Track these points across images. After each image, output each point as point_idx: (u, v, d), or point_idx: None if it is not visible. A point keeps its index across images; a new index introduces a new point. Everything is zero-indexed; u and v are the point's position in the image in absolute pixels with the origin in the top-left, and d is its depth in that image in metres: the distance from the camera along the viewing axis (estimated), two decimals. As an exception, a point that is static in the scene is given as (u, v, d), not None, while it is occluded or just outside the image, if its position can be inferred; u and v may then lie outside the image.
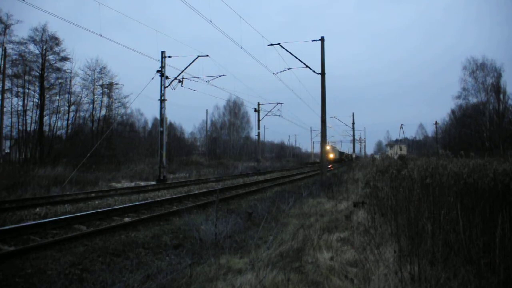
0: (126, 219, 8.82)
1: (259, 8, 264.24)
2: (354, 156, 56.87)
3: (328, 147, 57.19)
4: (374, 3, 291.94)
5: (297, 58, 18.84)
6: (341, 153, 69.42)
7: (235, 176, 26.55)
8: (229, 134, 67.05)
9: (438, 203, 4.34)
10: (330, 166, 40.25)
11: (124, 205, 10.37)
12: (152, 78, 21.12)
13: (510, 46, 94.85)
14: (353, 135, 54.33)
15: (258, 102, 37.93)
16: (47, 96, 27.86)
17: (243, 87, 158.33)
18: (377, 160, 26.60)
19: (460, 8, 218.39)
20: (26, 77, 26.90)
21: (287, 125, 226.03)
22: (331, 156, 58.90)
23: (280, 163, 53.17)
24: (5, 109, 24.48)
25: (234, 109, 67.97)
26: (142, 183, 19.90)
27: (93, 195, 13.56)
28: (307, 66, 19.11)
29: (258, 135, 39.93)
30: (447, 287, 3.10)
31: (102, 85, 31.81)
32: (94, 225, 8.23)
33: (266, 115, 38.25)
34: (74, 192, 14.16)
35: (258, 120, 38.27)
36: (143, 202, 11.23)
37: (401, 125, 74.36)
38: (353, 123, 51.79)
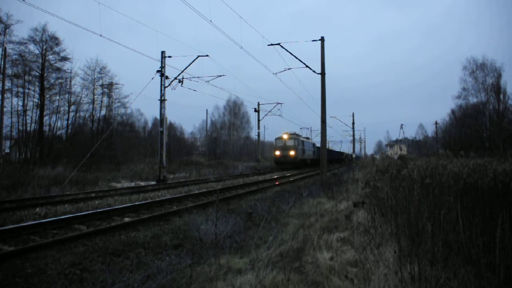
0: (126, 219, 8.82)
1: (260, 11, 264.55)
2: (354, 156, 56.80)
3: (285, 136, 37.49)
4: (375, 6, 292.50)
5: (297, 58, 18.86)
6: (321, 149, 43.63)
7: (235, 176, 26.53)
8: (229, 134, 67.09)
9: (438, 203, 4.34)
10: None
11: (124, 205, 10.37)
12: (152, 78, 21.16)
13: (509, 47, 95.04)
14: (353, 135, 54.30)
15: (258, 102, 37.96)
16: (47, 96, 27.94)
17: (243, 87, 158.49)
18: (377, 160, 26.56)
19: (460, 10, 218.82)
20: (26, 77, 26.98)
21: (287, 125, 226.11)
22: (292, 153, 36.72)
23: (280, 163, 53.00)
24: (5, 109, 24.53)
25: (234, 109, 68.06)
26: (142, 183, 19.89)
27: (93, 195, 13.56)
28: (307, 66, 19.13)
29: (258, 135, 39.99)
30: (447, 287, 3.10)
31: (102, 85, 31.92)
32: (94, 225, 8.23)
33: (266, 115, 38.23)
34: (74, 192, 14.16)
35: (258, 120, 38.31)
36: (143, 202, 11.23)
37: (401, 125, 74.59)
38: (353, 123, 51.80)
